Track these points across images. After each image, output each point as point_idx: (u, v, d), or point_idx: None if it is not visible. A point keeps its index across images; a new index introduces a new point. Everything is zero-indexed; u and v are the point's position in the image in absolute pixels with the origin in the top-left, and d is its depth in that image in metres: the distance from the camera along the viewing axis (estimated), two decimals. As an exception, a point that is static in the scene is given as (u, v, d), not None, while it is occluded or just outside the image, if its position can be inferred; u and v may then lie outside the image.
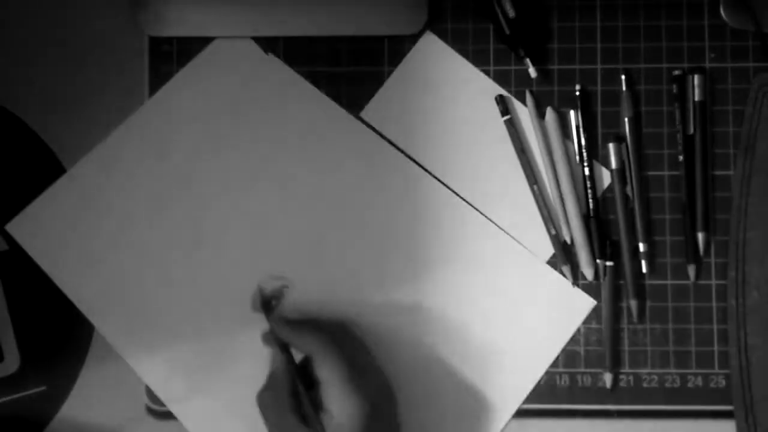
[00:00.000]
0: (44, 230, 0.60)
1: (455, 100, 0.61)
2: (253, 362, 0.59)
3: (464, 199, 0.60)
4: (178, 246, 0.60)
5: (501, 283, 0.60)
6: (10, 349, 0.60)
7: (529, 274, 0.60)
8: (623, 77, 0.60)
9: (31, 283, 0.60)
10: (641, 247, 0.60)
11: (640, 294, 0.60)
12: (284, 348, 0.55)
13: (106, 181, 0.61)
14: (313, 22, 0.61)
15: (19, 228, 0.60)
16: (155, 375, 0.60)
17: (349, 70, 0.62)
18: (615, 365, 0.60)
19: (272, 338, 0.56)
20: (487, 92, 0.61)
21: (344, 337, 0.58)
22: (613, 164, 0.60)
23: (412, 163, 0.60)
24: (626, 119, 0.60)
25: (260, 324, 0.58)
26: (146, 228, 0.60)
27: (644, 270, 0.60)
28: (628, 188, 0.60)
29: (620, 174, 0.60)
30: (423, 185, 0.60)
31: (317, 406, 0.53)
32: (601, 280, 0.60)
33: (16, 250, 0.61)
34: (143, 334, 0.60)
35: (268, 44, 0.62)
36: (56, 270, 0.60)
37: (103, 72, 0.61)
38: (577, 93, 0.60)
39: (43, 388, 0.60)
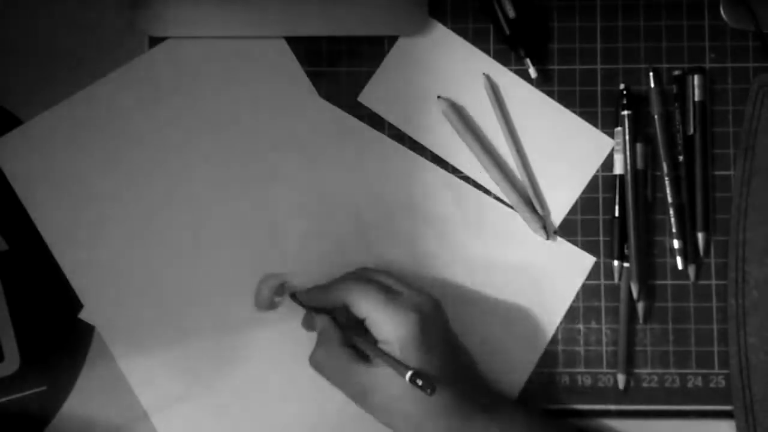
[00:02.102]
0: (26, 157, 0.60)
1: (453, 79, 0.61)
2: (243, 366, 0.59)
3: (463, 177, 0.60)
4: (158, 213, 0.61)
5: (501, 253, 0.60)
6: (10, 349, 0.60)
7: (530, 240, 0.60)
8: (651, 74, 0.60)
9: (31, 283, 0.60)
10: (676, 243, 0.60)
11: (649, 295, 0.60)
12: (319, 310, 0.57)
13: (93, 121, 0.61)
14: (313, 22, 0.61)
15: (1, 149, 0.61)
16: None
17: (349, 70, 0.61)
18: (617, 365, 0.60)
19: (308, 309, 0.58)
20: (484, 71, 0.61)
21: (369, 275, 0.58)
22: (639, 165, 0.60)
23: (401, 146, 0.61)
24: (656, 117, 0.60)
25: (251, 325, 0.58)
26: (125, 178, 0.61)
27: (680, 267, 0.60)
28: (648, 189, 0.60)
29: (643, 175, 0.60)
30: (417, 168, 0.61)
31: (371, 339, 0.54)
32: (619, 281, 0.60)
33: (16, 250, 0.61)
34: (108, 284, 0.60)
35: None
36: (30, 200, 0.60)
37: (103, 72, 0.61)
38: (624, 102, 0.60)
39: (43, 388, 0.60)
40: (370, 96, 0.61)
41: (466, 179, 0.61)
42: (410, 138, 0.61)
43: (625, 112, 0.60)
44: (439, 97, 0.60)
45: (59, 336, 0.60)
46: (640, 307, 0.59)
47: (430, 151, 0.61)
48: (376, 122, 0.61)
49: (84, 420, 0.60)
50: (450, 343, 0.57)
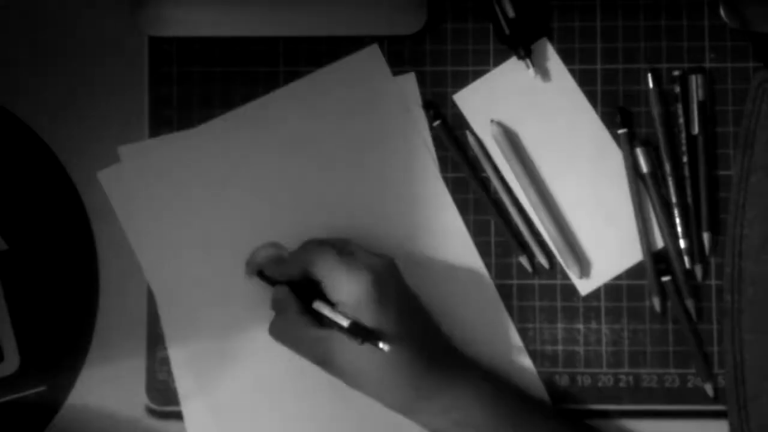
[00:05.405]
0: (131, 186, 0.61)
1: (550, 112, 0.61)
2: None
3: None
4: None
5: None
6: (10, 349, 0.60)
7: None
8: (650, 75, 0.60)
9: (31, 283, 0.60)
10: (682, 243, 0.60)
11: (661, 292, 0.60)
12: (275, 281, 0.58)
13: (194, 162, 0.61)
14: (313, 22, 0.61)
15: (108, 178, 0.61)
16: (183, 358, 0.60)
17: (349, 70, 0.62)
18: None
19: (264, 279, 0.59)
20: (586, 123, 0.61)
21: (326, 240, 0.58)
22: (644, 168, 0.60)
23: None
24: (656, 116, 0.60)
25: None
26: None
27: (687, 266, 0.60)
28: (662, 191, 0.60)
29: (653, 178, 0.60)
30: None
31: (329, 302, 0.54)
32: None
33: (16, 250, 0.61)
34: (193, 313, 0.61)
35: (267, 44, 0.62)
36: (133, 230, 0.61)
37: (103, 72, 0.61)
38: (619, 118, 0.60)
39: (43, 388, 0.60)
40: (465, 97, 0.61)
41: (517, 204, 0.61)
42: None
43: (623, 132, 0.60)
44: (492, 121, 0.60)
45: (59, 336, 0.60)
46: (690, 304, 0.59)
47: (494, 166, 0.61)
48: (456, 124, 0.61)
49: (84, 421, 0.60)
50: (407, 302, 0.56)
